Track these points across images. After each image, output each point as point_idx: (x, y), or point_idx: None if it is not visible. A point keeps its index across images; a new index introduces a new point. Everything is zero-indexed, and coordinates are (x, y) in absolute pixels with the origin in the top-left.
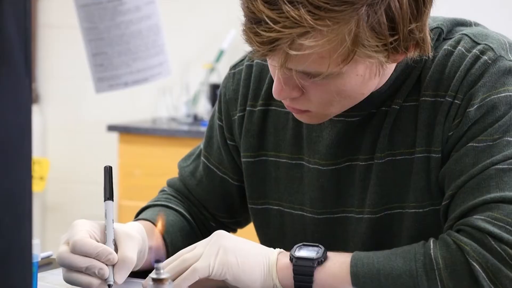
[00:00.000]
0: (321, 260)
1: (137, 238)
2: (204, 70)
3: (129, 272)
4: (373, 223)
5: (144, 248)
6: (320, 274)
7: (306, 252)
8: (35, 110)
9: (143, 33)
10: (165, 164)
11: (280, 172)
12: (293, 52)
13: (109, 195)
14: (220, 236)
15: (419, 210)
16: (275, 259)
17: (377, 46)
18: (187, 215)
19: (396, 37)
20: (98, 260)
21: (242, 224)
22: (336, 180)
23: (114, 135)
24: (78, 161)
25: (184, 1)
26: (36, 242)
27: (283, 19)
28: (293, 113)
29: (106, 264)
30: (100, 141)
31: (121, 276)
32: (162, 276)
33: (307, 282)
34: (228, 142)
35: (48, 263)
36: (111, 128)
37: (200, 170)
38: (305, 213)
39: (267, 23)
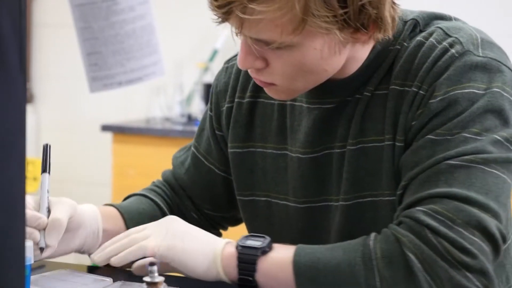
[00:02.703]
0: (265, 250)
1: (68, 204)
2: (198, 70)
3: (61, 235)
4: (345, 211)
5: (97, 229)
6: (264, 263)
7: (251, 241)
8: (29, 109)
9: (137, 32)
10: (159, 164)
11: (266, 163)
12: (244, 16)
13: (44, 168)
14: (172, 219)
15: (393, 198)
16: (221, 248)
17: (327, 16)
18: (162, 205)
19: (346, 9)
20: (29, 227)
21: (229, 221)
22: (315, 168)
23: (108, 135)
24: (72, 161)
25: (178, 1)
26: (29, 244)
27: None
28: (263, 88)
29: (39, 230)
30: (94, 141)
31: (53, 239)
32: (156, 280)
33: (250, 270)
34: (216, 132)
35: (41, 266)
36: (105, 128)
37: (189, 160)
38: (289, 203)
39: None
